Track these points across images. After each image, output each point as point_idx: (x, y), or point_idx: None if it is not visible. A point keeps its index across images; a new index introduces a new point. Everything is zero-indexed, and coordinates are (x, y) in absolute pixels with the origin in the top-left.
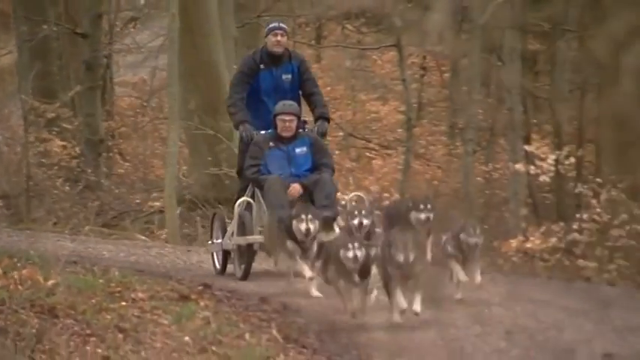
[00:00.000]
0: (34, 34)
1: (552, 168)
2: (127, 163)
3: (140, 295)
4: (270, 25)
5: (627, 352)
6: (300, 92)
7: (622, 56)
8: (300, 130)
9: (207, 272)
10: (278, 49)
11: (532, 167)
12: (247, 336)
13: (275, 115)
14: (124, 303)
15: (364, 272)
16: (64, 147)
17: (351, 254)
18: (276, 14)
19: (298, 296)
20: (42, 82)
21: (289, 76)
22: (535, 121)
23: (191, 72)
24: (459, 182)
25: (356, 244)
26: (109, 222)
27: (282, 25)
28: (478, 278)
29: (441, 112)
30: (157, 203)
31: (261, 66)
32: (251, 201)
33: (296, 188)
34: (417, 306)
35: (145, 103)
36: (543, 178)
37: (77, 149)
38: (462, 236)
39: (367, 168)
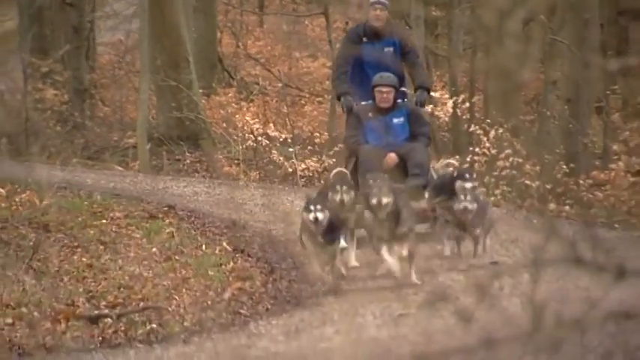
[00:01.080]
0: (31, 3)
1: (450, 111)
2: (107, 108)
3: (117, 214)
4: (371, 0)
5: (509, 259)
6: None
7: (505, 22)
8: (399, 101)
9: (171, 196)
10: (378, 23)
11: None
12: (204, 247)
13: (373, 87)
14: (104, 221)
15: (330, 235)
16: (56, 95)
17: (312, 216)
18: None
19: (245, 214)
20: (38, 43)
21: (391, 49)
22: (437, 73)
23: (158, 34)
24: None
25: (318, 207)
26: (92, 155)
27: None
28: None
29: None
30: (131, 140)
31: (364, 39)
32: (344, 170)
33: (391, 158)
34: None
35: (120, 60)
36: (443, 119)
37: (66, 97)
38: (455, 205)
39: (300, 112)
